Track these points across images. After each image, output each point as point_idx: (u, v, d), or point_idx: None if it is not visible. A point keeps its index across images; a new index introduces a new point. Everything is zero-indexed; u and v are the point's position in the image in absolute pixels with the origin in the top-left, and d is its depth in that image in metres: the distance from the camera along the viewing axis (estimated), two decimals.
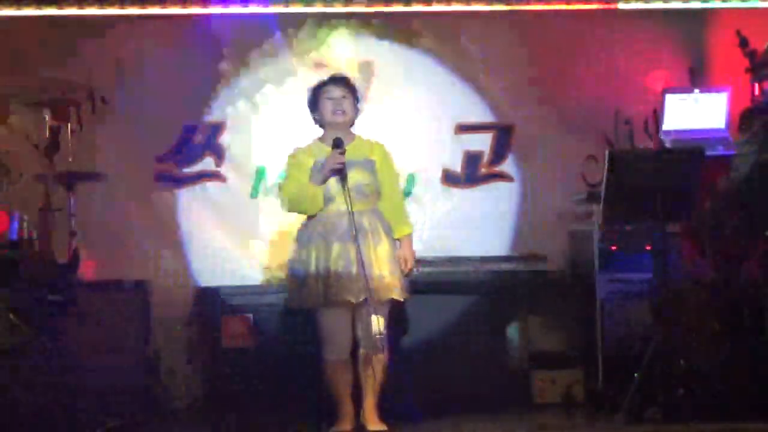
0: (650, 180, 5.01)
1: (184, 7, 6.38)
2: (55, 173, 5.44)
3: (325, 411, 4.92)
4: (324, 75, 5.12)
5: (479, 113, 6.52)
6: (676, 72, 6.51)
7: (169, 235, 6.32)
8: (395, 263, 4.75)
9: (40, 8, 6.31)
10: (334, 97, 4.85)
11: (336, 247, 4.69)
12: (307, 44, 6.44)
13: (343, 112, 4.85)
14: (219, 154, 6.42)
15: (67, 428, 4.52)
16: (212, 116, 6.42)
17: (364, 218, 4.74)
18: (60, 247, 5.32)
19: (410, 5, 6.48)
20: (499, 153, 6.51)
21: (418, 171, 6.43)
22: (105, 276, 5.90)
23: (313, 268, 4.69)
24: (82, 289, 5.27)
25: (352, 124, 4.93)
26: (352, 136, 4.92)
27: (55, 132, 5.49)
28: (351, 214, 4.62)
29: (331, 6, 6.44)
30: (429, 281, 5.62)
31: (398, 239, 4.87)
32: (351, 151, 4.79)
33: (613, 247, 5.71)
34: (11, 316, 4.57)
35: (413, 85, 6.49)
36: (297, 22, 6.43)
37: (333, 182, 4.73)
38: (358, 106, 4.95)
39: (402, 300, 4.78)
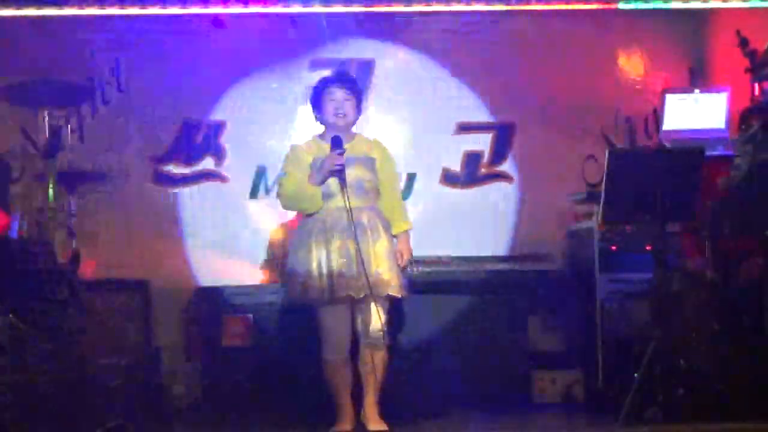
0: (650, 180, 5.00)
1: (184, 7, 6.38)
2: (55, 173, 5.44)
3: (325, 411, 4.91)
4: (326, 74, 5.12)
5: (479, 113, 6.52)
6: (676, 72, 6.52)
7: (169, 235, 6.32)
8: (393, 260, 4.74)
9: (40, 8, 6.31)
10: (336, 99, 4.84)
11: (336, 244, 4.68)
12: (307, 44, 6.44)
13: (345, 115, 4.83)
14: (219, 154, 6.42)
15: (68, 428, 4.51)
16: (212, 116, 6.43)
17: (364, 215, 4.73)
18: (60, 247, 5.32)
19: (410, 5, 6.48)
20: (499, 153, 6.52)
21: (418, 171, 6.44)
22: (105, 276, 5.90)
23: (314, 264, 4.68)
24: (83, 289, 5.27)
25: (353, 124, 4.93)
26: (353, 135, 4.90)
27: (55, 132, 5.49)
28: (350, 212, 4.62)
29: (331, 6, 6.45)
30: (429, 281, 5.61)
31: (396, 235, 4.87)
32: (351, 149, 4.79)
33: (613, 247, 5.71)
34: (11, 316, 4.57)
35: (413, 85, 6.49)
36: (297, 22, 6.43)
37: (333, 181, 4.73)
38: (360, 106, 4.94)
39: (400, 297, 4.77)
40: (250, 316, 5.73)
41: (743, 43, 5.78)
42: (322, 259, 4.68)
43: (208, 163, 6.42)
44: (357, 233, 4.62)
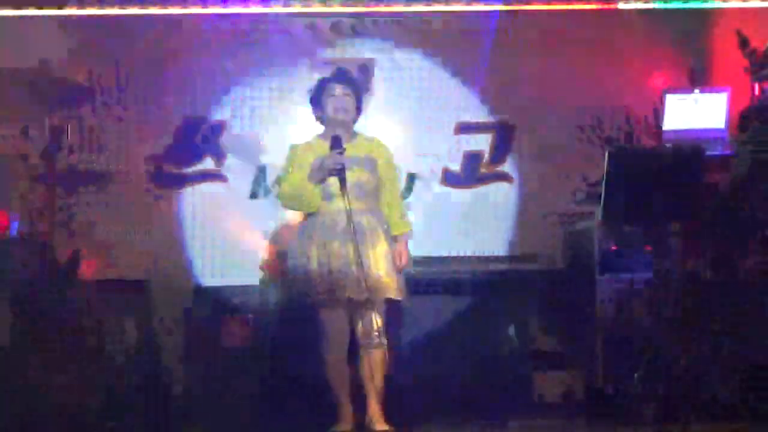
0: (650, 180, 5.00)
1: (184, 7, 6.38)
2: (55, 173, 5.44)
3: (324, 411, 4.91)
4: (325, 74, 5.12)
5: (479, 113, 6.52)
6: (676, 72, 6.51)
7: (169, 234, 6.32)
8: (393, 263, 4.74)
9: (40, 8, 6.31)
10: (336, 95, 4.84)
11: (335, 245, 4.68)
12: (307, 44, 6.44)
13: (346, 111, 4.84)
14: (219, 154, 6.42)
15: (68, 428, 4.51)
16: (212, 116, 6.43)
17: (364, 217, 4.73)
18: (60, 247, 5.32)
19: (410, 5, 6.48)
20: (499, 153, 6.52)
21: (418, 171, 6.44)
22: (105, 276, 5.90)
23: (313, 264, 4.68)
24: (82, 289, 5.27)
25: (354, 122, 4.93)
26: (354, 134, 4.91)
27: (55, 132, 5.49)
28: (349, 213, 4.62)
29: (331, 6, 6.44)
30: (428, 281, 5.61)
31: (395, 237, 4.87)
32: (352, 149, 4.79)
33: (613, 247, 5.71)
34: (11, 316, 4.57)
35: (413, 85, 6.49)
36: (297, 22, 6.43)
37: (333, 180, 4.72)
38: (361, 105, 4.94)
39: (399, 299, 4.77)
40: (250, 316, 5.73)
41: (743, 43, 5.78)
42: (321, 260, 4.68)
43: (208, 163, 6.42)
44: (356, 236, 4.62)
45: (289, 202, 4.88)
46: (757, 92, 5.87)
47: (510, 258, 6.03)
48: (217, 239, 6.33)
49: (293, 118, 6.34)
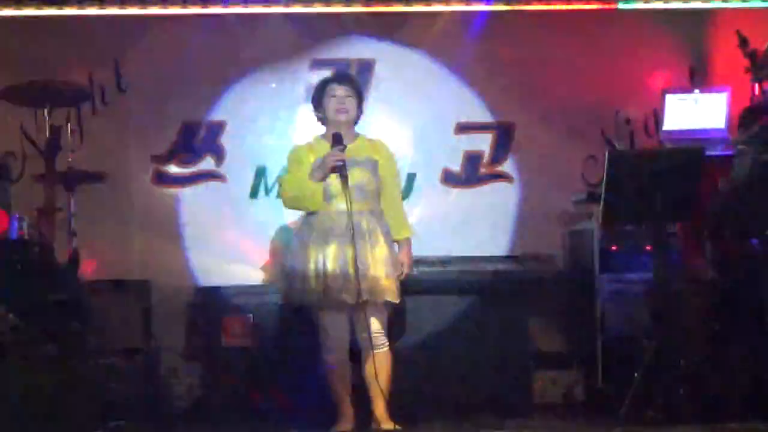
0: (650, 180, 5.00)
1: (184, 7, 6.38)
2: (55, 173, 5.44)
3: (324, 411, 4.92)
4: (326, 74, 5.12)
5: (479, 113, 6.52)
6: (676, 72, 6.52)
7: (169, 235, 6.32)
8: (391, 266, 4.71)
9: (40, 8, 6.31)
10: (337, 96, 4.84)
11: (333, 247, 4.67)
12: (307, 44, 6.44)
13: (347, 111, 4.84)
14: (219, 154, 6.42)
15: (68, 428, 4.51)
16: (212, 116, 6.43)
17: (363, 219, 4.72)
18: (60, 247, 5.32)
19: (410, 5, 6.48)
20: (499, 153, 6.52)
21: (418, 171, 6.43)
22: (105, 276, 5.90)
23: (311, 266, 4.68)
24: (82, 289, 5.27)
25: (355, 123, 4.93)
26: (355, 135, 4.91)
27: (55, 132, 5.48)
28: (350, 207, 4.61)
29: (331, 6, 6.44)
30: (428, 281, 5.61)
31: (397, 242, 4.86)
32: (353, 151, 4.79)
33: (613, 247, 5.72)
34: (11, 316, 4.57)
35: (413, 85, 6.49)
36: (297, 21, 6.43)
37: (334, 180, 4.72)
38: (362, 105, 4.94)
39: (397, 302, 4.76)
40: (250, 316, 5.73)
41: (743, 43, 5.78)
42: (318, 262, 4.67)
43: (208, 163, 6.42)
44: (355, 238, 4.62)
45: (292, 201, 4.87)
46: (757, 92, 5.88)
47: (510, 258, 6.03)
48: (217, 239, 6.32)
49: (293, 118, 6.35)
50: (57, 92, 5.64)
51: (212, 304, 5.80)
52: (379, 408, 4.71)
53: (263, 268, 6.24)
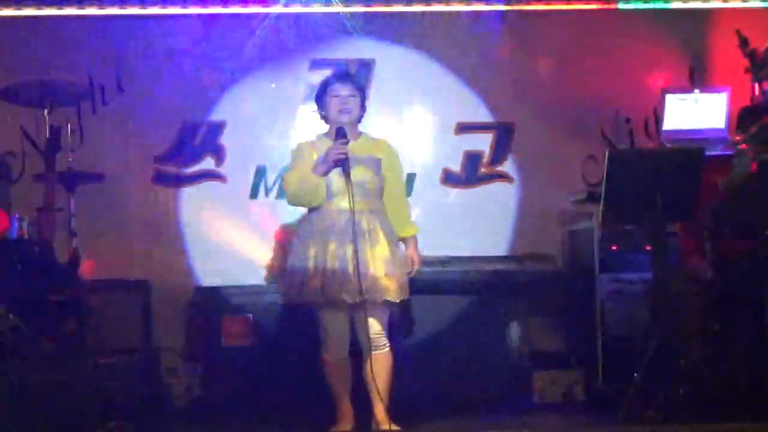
0: (650, 180, 5.01)
1: (184, 7, 6.38)
2: (55, 173, 5.44)
3: (324, 411, 4.91)
4: (326, 74, 5.12)
5: (479, 113, 6.52)
6: (676, 72, 6.52)
7: (169, 235, 6.32)
8: (392, 265, 4.69)
9: (40, 8, 6.31)
10: (340, 96, 4.83)
11: (333, 246, 4.67)
12: (307, 44, 6.44)
13: (349, 111, 4.83)
14: (219, 154, 6.42)
15: (68, 428, 4.51)
16: (212, 116, 6.43)
17: (363, 218, 4.71)
18: (60, 247, 5.32)
19: (410, 5, 6.48)
20: (499, 153, 6.52)
21: (418, 171, 6.44)
22: (105, 276, 5.90)
23: (311, 264, 4.67)
24: (82, 288, 5.27)
25: (359, 121, 4.92)
26: (358, 134, 4.90)
27: (55, 132, 5.49)
28: (352, 204, 4.61)
29: (331, 6, 6.44)
30: (429, 281, 5.60)
31: (402, 239, 4.86)
32: (356, 149, 4.78)
33: (613, 247, 5.71)
34: (11, 316, 4.57)
35: (413, 85, 6.49)
36: (297, 21, 6.43)
37: (336, 178, 4.71)
38: (364, 104, 4.93)
39: (398, 301, 4.75)
40: (250, 316, 5.73)
41: (743, 43, 5.78)
42: (318, 260, 4.67)
43: (208, 163, 6.42)
44: (355, 236, 4.61)
45: (294, 197, 4.84)
46: (757, 92, 5.88)
47: (510, 258, 6.03)
48: (217, 239, 6.32)
49: (293, 118, 6.36)
50: (57, 92, 5.64)
51: (212, 304, 5.80)
52: (379, 410, 4.71)
53: (263, 268, 6.24)
